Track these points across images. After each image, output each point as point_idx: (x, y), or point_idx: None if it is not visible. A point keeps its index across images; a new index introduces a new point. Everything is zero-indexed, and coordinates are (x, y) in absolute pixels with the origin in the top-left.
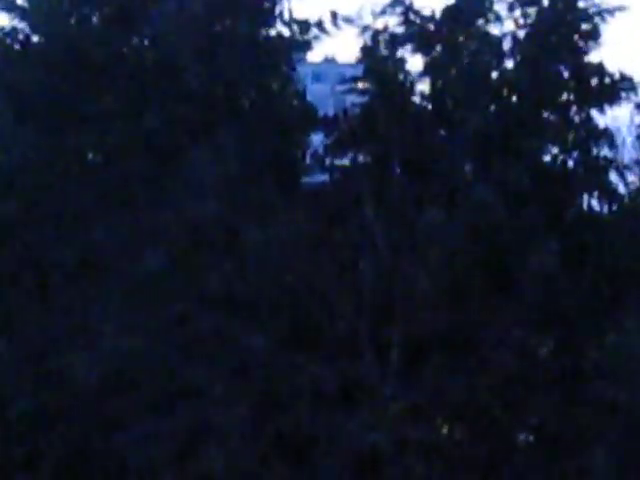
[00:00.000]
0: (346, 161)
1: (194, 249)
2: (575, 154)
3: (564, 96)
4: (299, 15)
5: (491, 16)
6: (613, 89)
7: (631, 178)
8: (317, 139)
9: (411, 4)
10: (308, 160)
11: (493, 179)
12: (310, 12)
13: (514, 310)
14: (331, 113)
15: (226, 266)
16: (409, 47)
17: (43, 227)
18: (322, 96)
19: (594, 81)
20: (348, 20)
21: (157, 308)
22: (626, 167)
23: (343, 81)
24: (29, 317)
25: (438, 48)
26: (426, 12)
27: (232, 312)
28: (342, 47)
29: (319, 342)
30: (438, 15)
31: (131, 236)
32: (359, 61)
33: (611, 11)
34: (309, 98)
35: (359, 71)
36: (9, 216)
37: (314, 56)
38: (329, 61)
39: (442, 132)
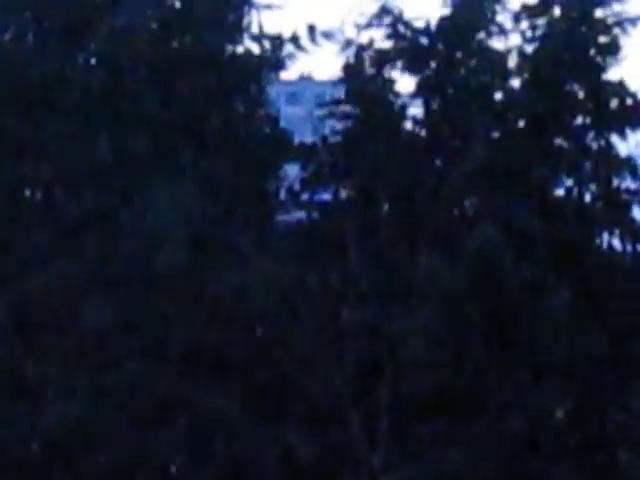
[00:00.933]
0: (326, 196)
1: (150, 299)
2: (593, 187)
3: (579, 120)
4: (270, 29)
5: (493, 28)
6: (636, 111)
7: None
8: (292, 171)
9: (400, 15)
10: (282, 195)
11: (497, 217)
12: (283, 25)
13: (525, 368)
14: (308, 140)
15: (188, 319)
16: (399, 65)
17: None
18: (298, 120)
19: (614, 102)
20: (328, 35)
21: (106, 369)
22: None
23: (322, 103)
24: None
25: (432, 65)
26: (418, 24)
27: (194, 372)
28: (320, 63)
29: (296, 406)
30: (432, 27)
31: (76, 286)
32: (340, 80)
33: (633, 21)
34: (283, 123)
35: (340, 91)
36: None
37: (288, 74)
38: (305, 79)
39: (438, 163)
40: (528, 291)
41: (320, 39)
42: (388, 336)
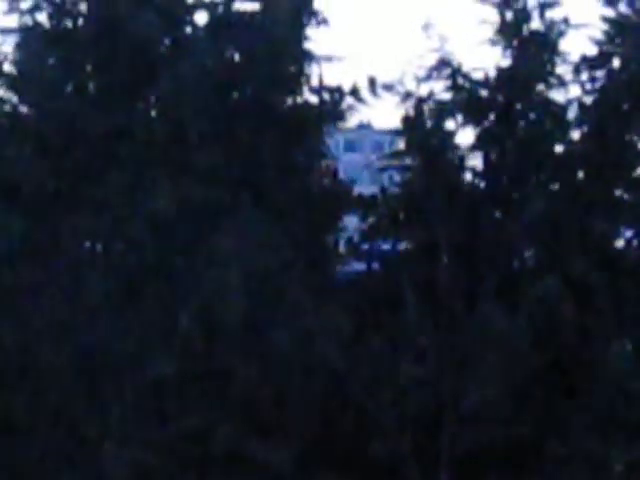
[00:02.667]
0: (386, 248)
1: (212, 351)
2: None
3: (639, 171)
4: (330, 81)
5: (553, 80)
6: None
7: None
8: (352, 222)
9: (459, 66)
10: (342, 247)
11: (557, 268)
12: (344, 77)
13: (585, 420)
14: (367, 187)
15: (249, 370)
16: (458, 116)
17: (31, 325)
18: (356, 167)
19: None
20: (388, 87)
21: (167, 420)
22: None
23: (382, 156)
24: (18, 427)
25: (492, 117)
26: (477, 75)
27: (253, 424)
28: (379, 111)
29: (354, 461)
30: (491, 79)
31: (138, 337)
32: (400, 132)
33: None
34: (341, 170)
35: (399, 139)
36: None
37: (347, 122)
38: (364, 127)
39: (497, 215)
40: (589, 342)
41: (380, 91)
42: (447, 389)
